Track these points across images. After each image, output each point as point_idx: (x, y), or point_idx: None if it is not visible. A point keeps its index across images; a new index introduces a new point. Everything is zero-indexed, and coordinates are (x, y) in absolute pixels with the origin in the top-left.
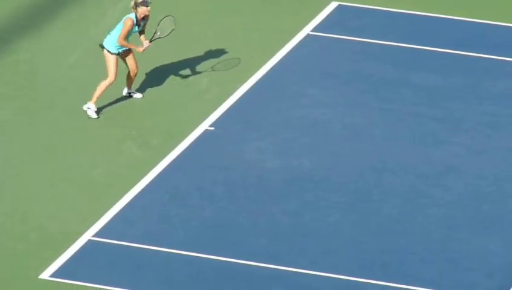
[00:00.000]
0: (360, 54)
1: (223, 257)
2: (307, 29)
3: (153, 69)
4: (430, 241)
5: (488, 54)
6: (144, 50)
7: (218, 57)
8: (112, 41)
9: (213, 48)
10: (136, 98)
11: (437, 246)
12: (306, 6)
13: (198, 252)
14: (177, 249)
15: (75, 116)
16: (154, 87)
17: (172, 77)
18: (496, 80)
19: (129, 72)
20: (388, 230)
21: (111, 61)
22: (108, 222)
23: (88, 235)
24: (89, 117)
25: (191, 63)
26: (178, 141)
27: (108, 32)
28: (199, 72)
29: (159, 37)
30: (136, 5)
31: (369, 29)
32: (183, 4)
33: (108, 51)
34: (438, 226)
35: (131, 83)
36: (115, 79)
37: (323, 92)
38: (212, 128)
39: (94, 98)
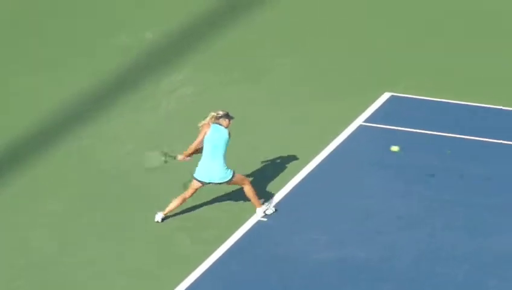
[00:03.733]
0: (411, 144)
1: None
2: (360, 120)
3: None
4: None
5: None
6: (183, 159)
7: (273, 147)
8: (223, 168)
9: (268, 139)
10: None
11: None
12: (359, 97)
13: None
14: None
15: (130, 204)
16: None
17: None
18: None
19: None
20: None
21: (237, 177)
22: None
23: None
24: (268, 214)
25: (248, 154)
26: (232, 232)
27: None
28: (255, 163)
29: (171, 158)
30: (229, 118)
31: (421, 119)
32: (240, 95)
33: (232, 177)
34: None
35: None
36: (249, 182)
37: (376, 182)
38: (265, 219)
39: (257, 203)
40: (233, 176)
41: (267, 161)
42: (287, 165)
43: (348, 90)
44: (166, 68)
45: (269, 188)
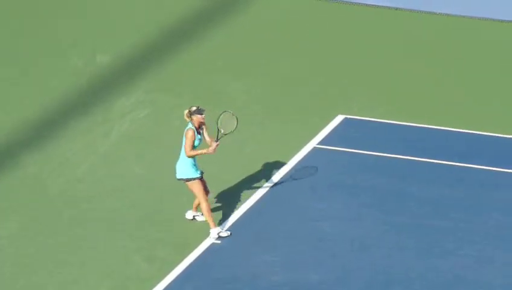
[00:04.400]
0: (365, 167)
1: None
2: (314, 142)
3: (162, 183)
4: None
5: (486, 166)
6: (214, 150)
7: (226, 168)
8: (186, 165)
9: (222, 159)
10: (199, 220)
11: None
12: (312, 120)
13: None
14: None
15: (82, 228)
16: (163, 200)
17: (181, 189)
18: (495, 191)
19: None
20: None
21: (196, 187)
22: None
23: None
24: (224, 237)
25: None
26: (186, 253)
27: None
28: (208, 184)
29: (224, 134)
30: (191, 113)
31: (374, 141)
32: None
33: (190, 179)
34: None
35: (196, 206)
36: (206, 199)
37: (330, 205)
38: (219, 241)
39: (212, 224)
40: (188, 179)
41: (221, 182)
42: (241, 188)
43: (301, 113)
44: (118, 91)
45: (223, 209)
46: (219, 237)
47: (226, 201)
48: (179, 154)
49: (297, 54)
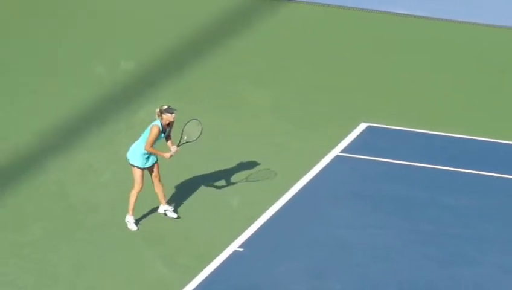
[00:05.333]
0: (388, 175)
1: None
2: (336, 151)
3: (185, 189)
4: None
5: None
6: (171, 156)
7: (249, 177)
8: (138, 153)
9: (244, 169)
10: (170, 217)
11: None
12: (335, 128)
13: None
14: None
15: (105, 235)
16: (184, 207)
17: (203, 196)
18: None
19: (155, 187)
20: None
21: (137, 174)
22: None
23: None
24: (128, 229)
25: (223, 183)
26: (207, 261)
27: (134, 143)
28: (230, 193)
29: (187, 142)
30: (161, 112)
31: (397, 150)
32: (218, 125)
33: (135, 166)
34: None
35: (163, 198)
36: (141, 189)
37: (352, 213)
38: (241, 249)
39: (130, 211)
40: (134, 165)
41: (244, 190)
42: (263, 195)
43: (324, 121)
44: (141, 99)
45: (246, 217)
46: (129, 222)
47: (249, 209)
48: (138, 139)
49: (320, 62)
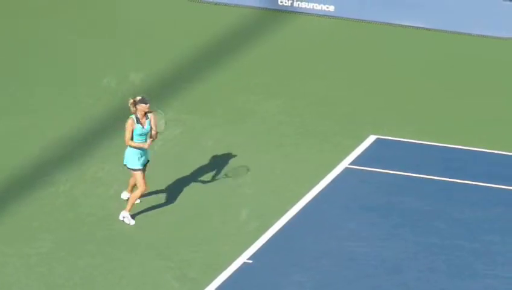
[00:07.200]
0: (397, 187)
1: None
2: (345, 163)
3: (194, 201)
4: None
5: None
6: (148, 146)
7: (258, 189)
8: (129, 155)
9: (253, 181)
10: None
11: None
12: (344, 140)
13: None
14: None
15: (113, 247)
16: (193, 219)
17: (212, 208)
18: None
19: (130, 179)
20: None
21: (138, 177)
22: None
23: None
24: (126, 223)
25: (233, 196)
26: (216, 273)
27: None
28: (239, 205)
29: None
30: (135, 102)
31: (406, 162)
32: (228, 137)
33: (133, 169)
34: None
35: (130, 190)
36: (145, 189)
37: (361, 225)
38: (251, 261)
39: (128, 207)
40: (132, 169)
41: (253, 202)
42: (272, 207)
43: (333, 133)
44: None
45: (255, 229)
46: (123, 220)
47: (258, 221)
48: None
49: (329, 75)
